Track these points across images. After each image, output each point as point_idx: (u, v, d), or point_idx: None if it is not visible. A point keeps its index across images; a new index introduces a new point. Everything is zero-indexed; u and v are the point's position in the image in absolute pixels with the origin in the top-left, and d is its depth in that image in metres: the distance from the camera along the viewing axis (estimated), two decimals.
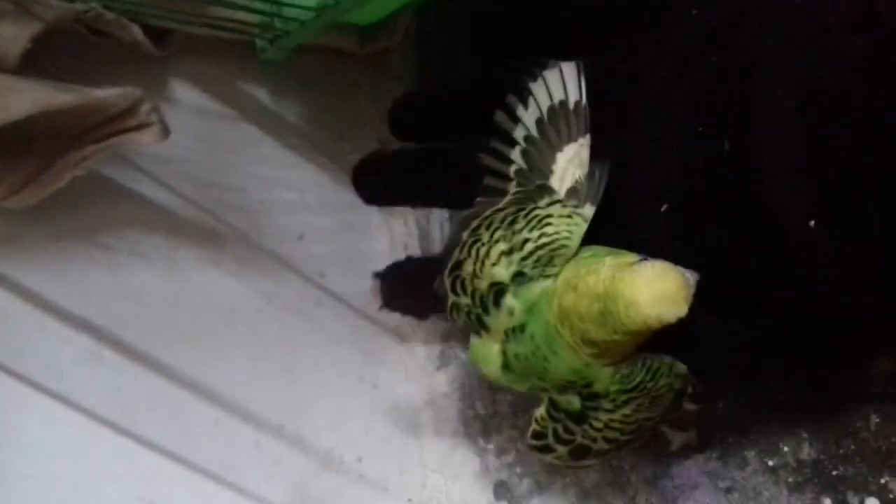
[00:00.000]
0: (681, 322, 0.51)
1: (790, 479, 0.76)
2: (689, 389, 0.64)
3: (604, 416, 0.61)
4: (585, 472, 0.89)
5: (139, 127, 0.77)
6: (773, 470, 0.77)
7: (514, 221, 0.62)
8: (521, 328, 0.60)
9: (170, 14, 0.85)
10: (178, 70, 0.92)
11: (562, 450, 0.65)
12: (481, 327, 0.65)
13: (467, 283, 0.66)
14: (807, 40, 0.50)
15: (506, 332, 0.62)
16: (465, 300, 0.67)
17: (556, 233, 0.59)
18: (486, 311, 0.64)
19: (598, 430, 0.62)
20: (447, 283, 0.70)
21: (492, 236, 0.63)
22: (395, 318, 1.07)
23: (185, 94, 0.93)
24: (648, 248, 0.56)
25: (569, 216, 0.60)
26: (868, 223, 0.49)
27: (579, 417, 0.62)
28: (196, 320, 0.90)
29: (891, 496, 0.69)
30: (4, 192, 0.76)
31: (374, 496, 0.99)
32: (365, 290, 1.01)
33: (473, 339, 0.68)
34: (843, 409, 0.72)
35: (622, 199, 0.61)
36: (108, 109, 0.75)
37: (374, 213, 1.08)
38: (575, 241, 0.59)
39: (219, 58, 0.95)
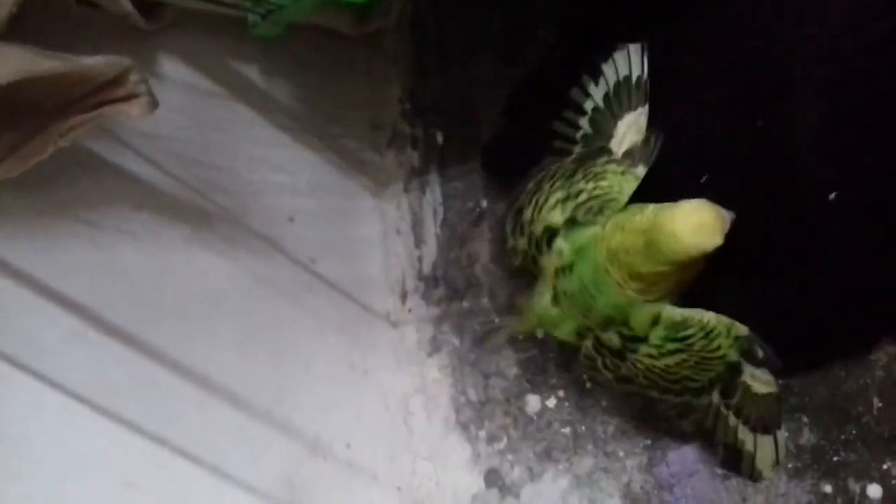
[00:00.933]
0: (709, 281, 0.58)
1: (789, 465, 0.74)
2: (759, 353, 0.65)
3: (646, 360, 0.66)
4: (579, 459, 0.88)
5: (127, 98, 0.75)
6: None
7: (573, 174, 0.69)
8: (570, 268, 0.67)
9: None
10: (168, 45, 0.90)
11: (609, 374, 0.72)
12: (535, 267, 0.73)
13: (526, 227, 0.74)
14: (842, 22, 0.54)
15: (556, 271, 0.69)
16: (522, 243, 0.75)
17: (609, 186, 0.66)
18: (539, 251, 0.71)
19: (640, 369, 0.68)
20: (508, 226, 0.79)
21: (552, 186, 0.70)
22: (386, 303, 1.05)
23: (174, 70, 0.91)
24: None
25: (622, 173, 0.65)
26: (888, 198, 0.53)
27: (620, 354, 0.68)
28: (183, 301, 0.88)
29: (894, 482, 0.68)
30: None
31: (363, 483, 0.97)
32: (356, 275, 1.00)
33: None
34: (846, 392, 0.71)
35: (669, 167, 0.67)
36: (95, 78, 0.73)
37: (366, 198, 1.06)
38: (625, 195, 0.65)
39: (210, 34, 0.93)
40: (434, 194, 1.03)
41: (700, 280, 0.60)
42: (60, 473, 0.79)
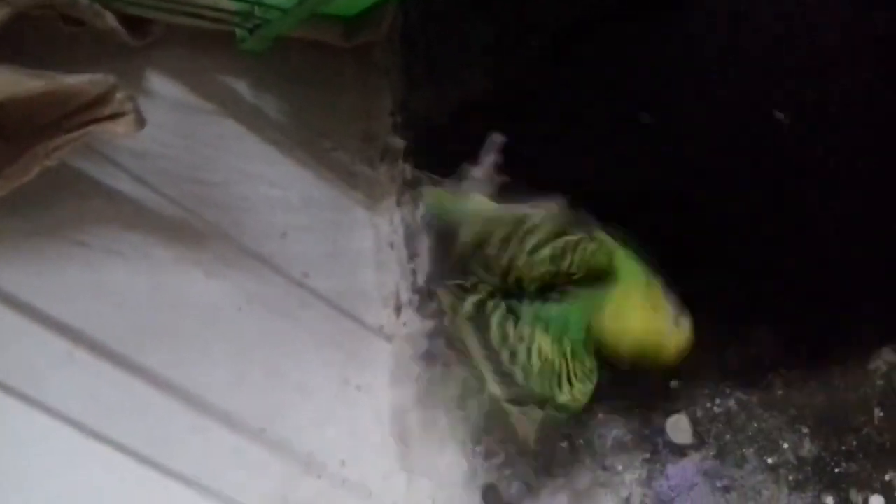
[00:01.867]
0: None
1: (790, 478, 0.73)
2: None
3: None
4: (577, 473, 0.87)
5: (113, 116, 0.74)
6: (772, 468, 0.75)
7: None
8: None
9: (147, 1, 0.82)
10: (156, 62, 0.89)
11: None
12: None
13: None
14: None
15: None
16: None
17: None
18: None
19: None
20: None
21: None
22: (380, 317, 1.04)
23: (162, 86, 0.90)
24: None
25: None
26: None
27: None
28: (175, 321, 0.87)
29: None
30: None
31: (358, 501, 0.96)
32: (350, 289, 1.00)
33: None
34: (846, 403, 0.70)
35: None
36: (80, 97, 0.72)
37: (358, 212, 1.05)
38: None
39: (198, 50, 0.92)
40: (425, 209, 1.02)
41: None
42: (54, 499, 0.78)
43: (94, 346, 0.82)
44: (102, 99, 0.73)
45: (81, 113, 0.73)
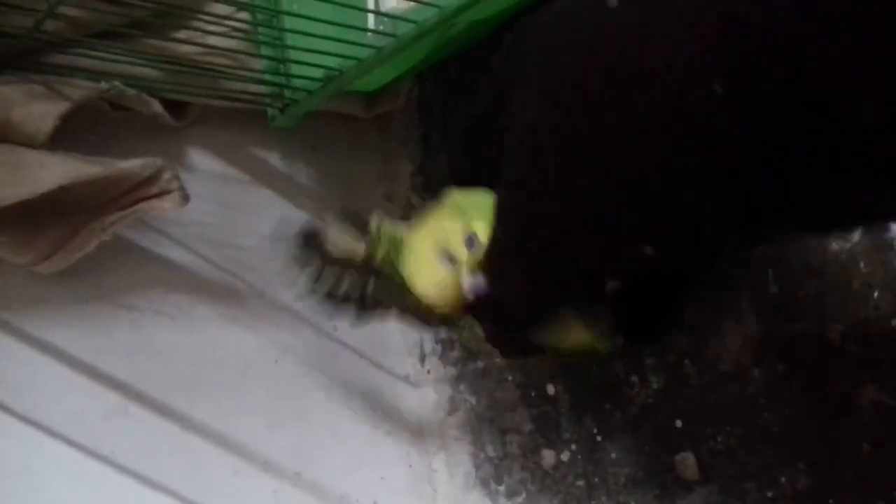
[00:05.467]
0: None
1: None
2: None
3: None
4: None
5: (160, 194, 0.83)
6: (772, 501, 0.79)
7: None
8: None
9: (186, 88, 0.91)
10: (195, 139, 0.99)
11: None
12: None
13: None
14: None
15: None
16: None
17: None
18: None
19: None
20: None
21: None
22: (406, 366, 1.11)
23: (201, 161, 0.99)
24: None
25: None
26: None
27: None
28: (215, 374, 0.95)
29: None
30: (36, 257, 0.81)
31: None
32: (376, 341, 1.06)
33: None
34: (836, 437, 0.74)
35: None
36: (132, 179, 0.81)
37: None
38: None
39: (232, 127, 1.01)
40: None
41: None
42: None
43: (143, 398, 0.90)
44: (151, 179, 0.81)
45: (132, 192, 0.82)
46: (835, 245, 0.78)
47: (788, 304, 0.80)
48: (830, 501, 0.76)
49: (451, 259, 0.73)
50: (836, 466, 0.76)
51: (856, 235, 0.76)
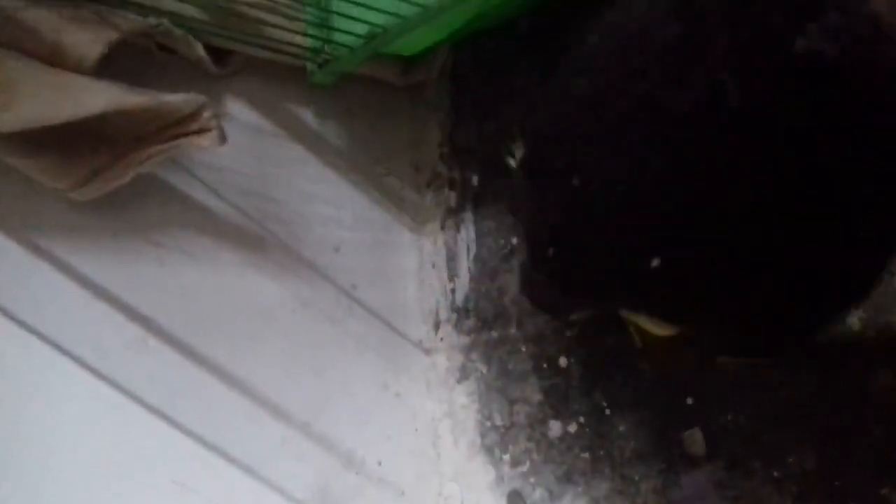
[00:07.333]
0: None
1: (794, 489, 0.79)
2: None
3: None
4: (597, 482, 0.93)
5: (200, 131, 0.84)
6: (778, 480, 0.80)
7: None
8: None
9: (232, 34, 0.93)
10: (235, 89, 1.01)
11: None
12: None
13: None
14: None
15: None
16: None
17: None
18: None
19: None
20: None
21: None
22: (420, 331, 1.12)
23: (239, 111, 1.01)
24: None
25: None
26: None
27: None
28: (235, 318, 0.96)
29: None
30: (73, 183, 0.83)
31: (392, 500, 1.03)
32: (394, 303, 1.08)
33: None
34: (847, 420, 0.75)
35: None
36: (174, 113, 0.83)
37: (405, 233, 1.14)
38: None
39: (271, 81, 1.03)
40: (468, 232, 1.11)
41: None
42: (113, 468, 0.87)
43: (163, 333, 0.91)
44: (192, 116, 0.83)
45: (172, 127, 0.83)
46: None
47: None
48: (836, 483, 0.76)
49: None
50: (845, 449, 0.77)
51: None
